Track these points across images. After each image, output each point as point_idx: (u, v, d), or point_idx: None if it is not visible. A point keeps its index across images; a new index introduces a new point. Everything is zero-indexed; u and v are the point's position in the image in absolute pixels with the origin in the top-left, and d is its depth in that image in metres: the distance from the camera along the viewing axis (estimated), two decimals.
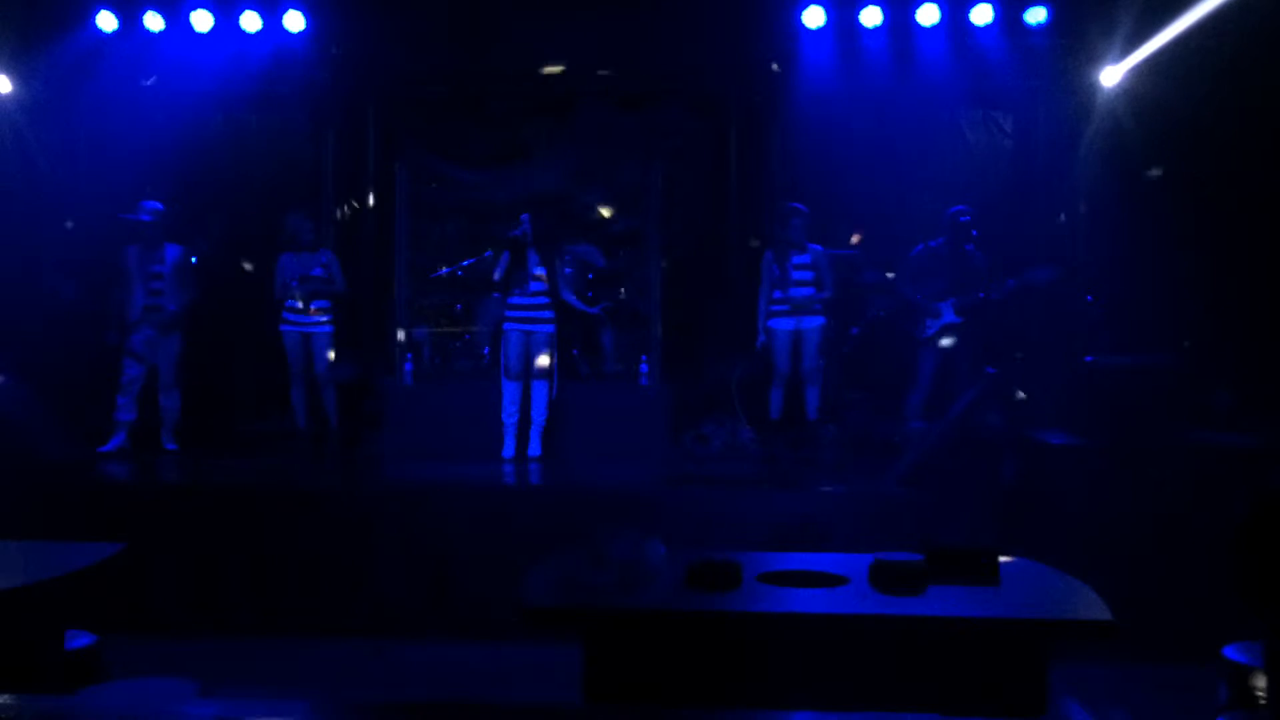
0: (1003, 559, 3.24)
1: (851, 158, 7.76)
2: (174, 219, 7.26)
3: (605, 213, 8.70)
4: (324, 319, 7.20)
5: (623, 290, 8.49)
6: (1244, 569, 2.33)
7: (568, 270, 7.54)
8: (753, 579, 3.11)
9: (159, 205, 7.13)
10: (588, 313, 7.63)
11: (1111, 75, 7.54)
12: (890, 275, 7.83)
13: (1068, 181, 7.86)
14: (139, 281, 7.06)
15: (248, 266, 8.59)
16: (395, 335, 8.23)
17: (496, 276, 7.05)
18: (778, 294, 6.83)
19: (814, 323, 6.82)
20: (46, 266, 7.65)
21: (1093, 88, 7.63)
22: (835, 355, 7.39)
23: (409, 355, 7.80)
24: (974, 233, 7.14)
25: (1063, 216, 8.04)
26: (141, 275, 7.06)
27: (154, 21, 7.73)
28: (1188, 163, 7.18)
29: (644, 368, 7.61)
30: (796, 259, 6.81)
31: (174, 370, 7.14)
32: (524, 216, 7.03)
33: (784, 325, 6.80)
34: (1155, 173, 7.46)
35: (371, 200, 8.67)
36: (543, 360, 6.98)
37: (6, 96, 7.76)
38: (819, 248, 6.88)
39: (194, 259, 7.31)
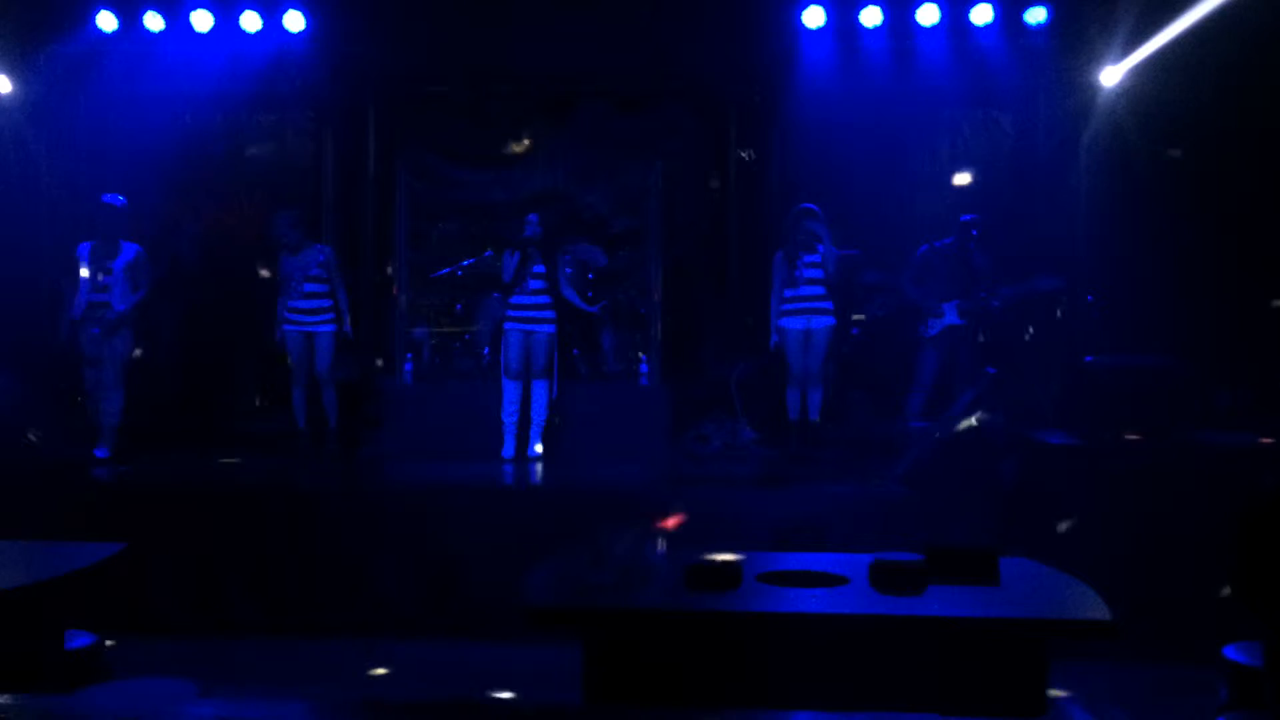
0: (1003, 559, 3.24)
1: (851, 158, 7.75)
2: (140, 218, 7.00)
3: (604, 211, 8.70)
4: (327, 318, 7.17)
5: (623, 290, 8.49)
6: (1243, 569, 2.33)
7: (568, 270, 7.54)
8: (753, 579, 3.11)
9: (121, 200, 6.84)
10: (587, 311, 7.63)
11: (1111, 75, 7.54)
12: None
13: (1068, 181, 7.86)
14: (88, 277, 6.73)
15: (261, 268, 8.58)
16: (395, 335, 8.23)
17: (507, 278, 7.03)
18: (788, 293, 6.82)
19: (824, 322, 6.81)
20: (46, 266, 7.63)
21: (1093, 88, 7.62)
22: (836, 356, 7.38)
23: (409, 355, 7.80)
24: (974, 233, 7.15)
25: (1062, 216, 8.05)
26: (91, 271, 6.74)
27: (154, 21, 7.73)
28: (1187, 163, 7.18)
29: (644, 368, 7.60)
30: (807, 258, 6.80)
31: (118, 371, 6.72)
32: (532, 217, 7.01)
33: (795, 324, 6.79)
34: (1158, 162, 7.45)
35: (371, 200, 8.67)
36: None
37: (6, 96, 7.76)
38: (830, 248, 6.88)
39: (146, 259, 6.83)
